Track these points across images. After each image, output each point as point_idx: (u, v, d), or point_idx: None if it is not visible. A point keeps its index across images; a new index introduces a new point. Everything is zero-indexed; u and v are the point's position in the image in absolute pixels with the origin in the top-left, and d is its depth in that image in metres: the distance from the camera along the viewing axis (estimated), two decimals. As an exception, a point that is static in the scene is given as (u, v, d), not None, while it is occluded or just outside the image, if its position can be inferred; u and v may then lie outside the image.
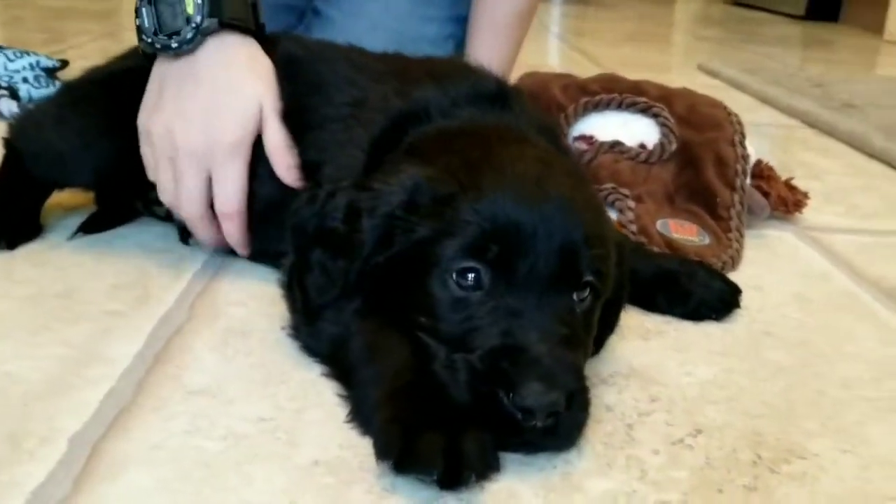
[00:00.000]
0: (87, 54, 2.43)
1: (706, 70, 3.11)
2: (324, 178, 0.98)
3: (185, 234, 1.19)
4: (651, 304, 1.06)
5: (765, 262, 1.26)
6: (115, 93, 1.14)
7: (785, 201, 1.42)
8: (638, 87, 1.44)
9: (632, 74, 1.58)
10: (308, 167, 1.02)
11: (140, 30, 1.02)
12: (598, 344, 0.90)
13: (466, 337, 0.76)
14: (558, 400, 0.71)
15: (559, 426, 0.72)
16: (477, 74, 1.02)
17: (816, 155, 1.98)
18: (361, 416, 0.77)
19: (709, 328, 1.03)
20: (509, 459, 0.74)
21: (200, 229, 1.08)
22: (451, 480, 0.68)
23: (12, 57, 2.00)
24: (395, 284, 0.82)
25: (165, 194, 1.07)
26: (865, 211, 1.58)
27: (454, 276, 0.78)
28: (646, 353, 0.96)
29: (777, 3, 5.51)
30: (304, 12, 1.67)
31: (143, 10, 1.01)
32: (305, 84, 1.06)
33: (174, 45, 1.00)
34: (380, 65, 1.07)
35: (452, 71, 1.02)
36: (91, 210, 1.25)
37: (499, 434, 0.72)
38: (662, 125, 1.37)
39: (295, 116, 1.04)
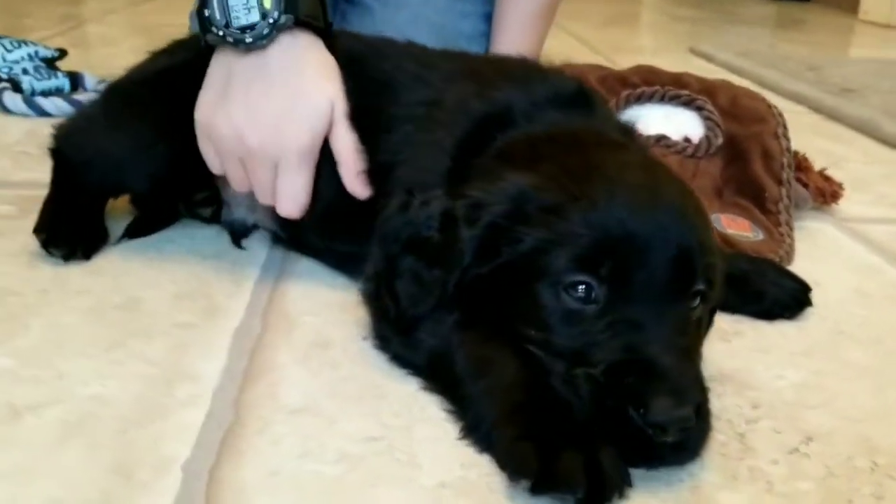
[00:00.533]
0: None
1: (699, 53, 3.11)
2: (397, 182, 0.95)
3: (237, 238, 1.15)
4: (723, 304, 1.05)
5: (812, 255, 1.26)
6: (166, 93, 1.09)
7: (822, 192, 1.42)
8: (679, 80, 1.42)
9: (627, 59, 1.58)
10: (378, 170, 0.99)
11: (209, 21, 0.97)
12: None
13: (585, 351, 0.74)
14: (689, 415, 0.70)
15: (688, 441, 0.71)
16: (552, 75, 1.00)
17: (829, 142, 1.99)
18: (478, 434, 0.75)
19: (783, 327, 1.03)
20: (635, 475, 0.72)
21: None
22: (595, 499, 0.66)
23: (9, 47, 1.92)
24: (499, 296, 0.80)
25: (237, 184, 1.04)
26: (893, 200, 1.59)
27: (565, 288, 0.76)
28: (731, 355, 0.95)
29: (750, -16, 5.54)
30: (337, 0, 1.63)
31: (213, 1, 0.96)
32: (371, 83, 1.03)
33: (248, 39, 0.95)
34: (448, 64, 1.04)
35: (527, 72, 1.00)
36: (130, 213, 1.20)
37: (627, 450, 0.71)
38: (707, 118, 1.36)
39: (361, 117, 1.01)
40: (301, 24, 0.97)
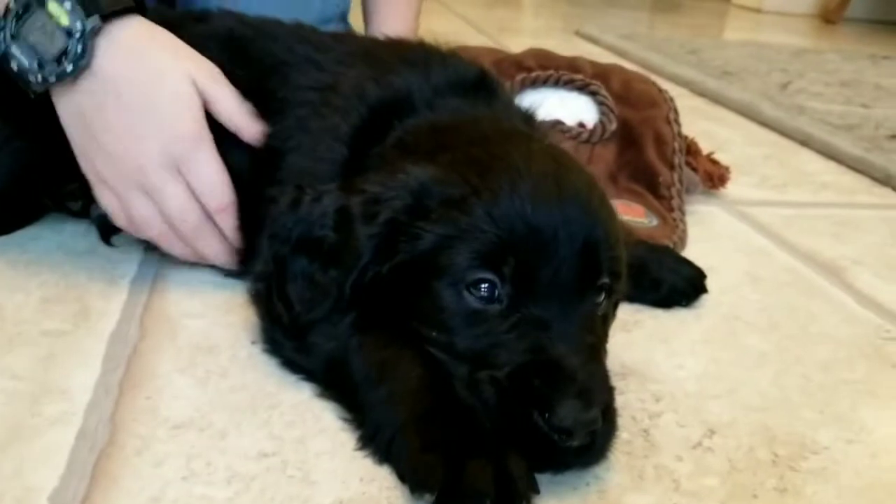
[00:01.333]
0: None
1: (584, 36, 3.14)
2: (288, 171, 0.90)
3: (106, 233, 1.06)
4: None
5: (703, 239, 1.28)
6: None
7: (711, 176, 1.44)
8: (573, 64, 1.41)
9: (515, 40, 1.56)
10: (268, 157, 0.93)
11: (22, 72, 0.86)
12: None
13: (489, 353, 0.71)
14: (596, 417, 0.67)
15: (595, 443, 0.69)
16: (453, 60, 0.96)
17: (713, 124, 2.03)
18: (378, 443, 0.71)
19: (681, 315, 1.03)
20: (540, 479, 0.69)
21: (210, 245, 0.95)
22: None
23: None
24: (399, 296, 0.76)
25: (153, 226, 0.93)
26: (775, 182, 1.64)
27: (467, 287, 0.72)
28: (631, 346, 0.94)
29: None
30: None
31: (14, 50, 0.85)
32: (258, 65, 0.96)
33: (69, 68, 0.85)
34: (343, 46, 0.98)
35: (427, 56, 0.95)
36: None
37: (533, 455, 0.68)
38: (601, 104, 1.35)
39: (248, 100, 0.94)
40: (111, 16, 0.87)
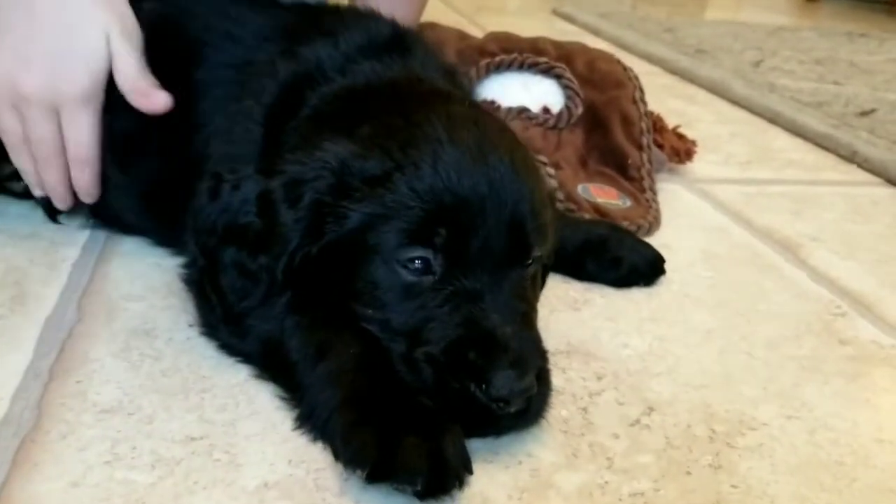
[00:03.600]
0: None
1: (561, 15, 3.12)
2: (210, 156, 0.88)
3: (52, 211, 1.04)
4: (580, 271, 1.03)
5: (665, 218, 1.27)
6: None
7: (678, 152, 1.43)
8: (536, 46, 1.39)
9: (494, 19, 1.54)
10: (193, 143, 0.91)
11: None
12: None
13: (424, 328, 0.70)
14: (531, 384, 0.68)
15: (530, 406, 0.69)
16: (368, 20, 0.94)
17: (683, 102, 2.02)
18: (314, 422, 0.70)
19: (633, 294, 1.02)
20: (477, 457, 0.69)
21: (50, 176, 0.95)
22: (436, 489, 0.62)
23: None
24: (331, 276, 0.75)
25: (11, 137, 0.93)
26: (740, 160, 1.63)
27: (400, 264, 0.71)
28: (579, 325, 0.93)
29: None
30: None
31: None
32: (177, 48, 0.94)
33: None
34: (260, 18, 0.96)
35: (338, 20, 0.93)
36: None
37: (471, 425, 0.68)
38: (566, 87, 1.33)
39: (169, 88, 0.92)
40: None
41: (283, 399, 0.74)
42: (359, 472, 0.62)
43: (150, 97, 0.91)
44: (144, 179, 0.96)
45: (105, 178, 0.98)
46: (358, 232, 0.72)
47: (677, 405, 0.80)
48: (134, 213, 0.99)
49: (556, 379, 0.81)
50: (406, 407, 0.67)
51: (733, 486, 0.70)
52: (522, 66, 1.32)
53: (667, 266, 1.07)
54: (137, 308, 0.89)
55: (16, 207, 1.08)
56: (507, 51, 1.36)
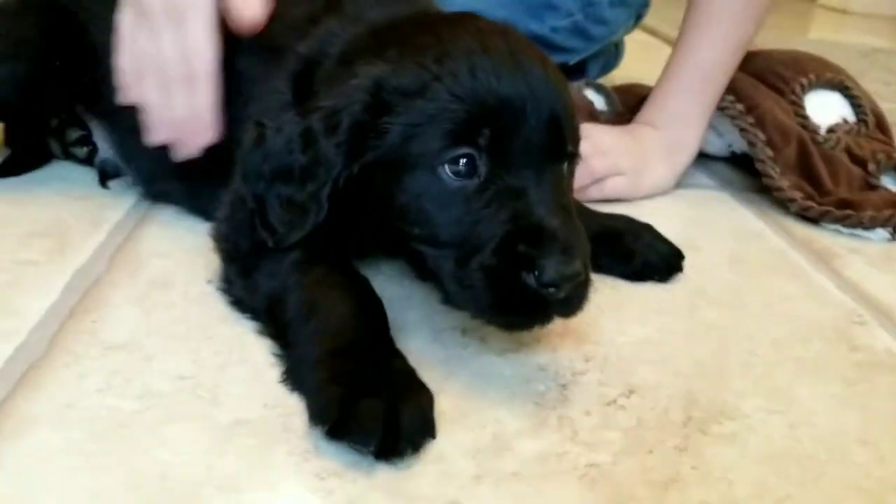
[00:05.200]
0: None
1: (645, 28, 3.09)
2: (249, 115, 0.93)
3: (105, 178, 1.13)
4: (594, 262, 1.03)
5: (703, 221, 1.26)
6: (21, 19, 1.08)
7: None
8: (822, 61, 1.47)
9: None
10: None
11: None
12: None
13: (471, 233, 0.74)
14: (580, 270, 0.71)
15: (578, 292, 0.73)
16: None
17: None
18: (296, 375, 0.74)
19: (645, 287, 1.03)
20: (444, 419, 0.71)
21: (177, 101, 0.96)
22: (388, 452, 0.65)
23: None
24: (376, 197, 0.79)
25: (142, 63, 0.96)
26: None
27: (447, 167, 0.75)
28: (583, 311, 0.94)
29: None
30: None
31: None
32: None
33: None
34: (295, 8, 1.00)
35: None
36: (4, 154, 1.18)
37: (523, 315, 0.73)
38: (852, 98, 1.42)
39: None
40: None
41: (275, 356, 0.78)
42: (320, 427, 0.66)
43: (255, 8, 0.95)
44: None
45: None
46: (400, 145, 0.75)
47: (660, 390, 0.81)
48: (178, 179, 1.06)
49: (543, 357, 0.84)
50: (377, 369, 0.70)
51: (693, 468, 0.70)
52: (822, 84, 1.41)
53: (689, 266, 1.07)
54: (162, 263, 0.95)
55: (76, 172, 1.18)
56: (798, 70, 1.43)
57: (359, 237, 0.86)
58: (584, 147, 1.23)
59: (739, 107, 1.39)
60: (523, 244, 0.71)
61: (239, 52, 1.00)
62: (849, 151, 1.39)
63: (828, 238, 1.25)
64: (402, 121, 0.75)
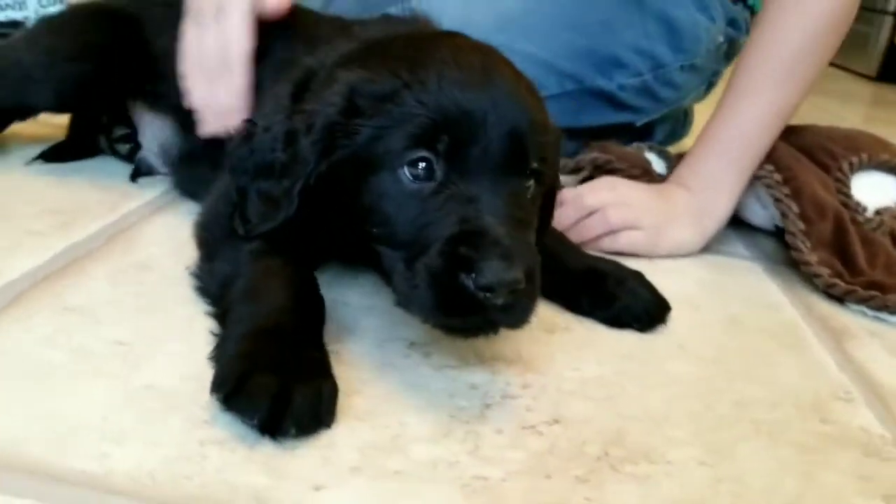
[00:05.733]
0: None
1: (715, 97, 3.04)
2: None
3: (137, 174, 1.21)
4: (576, 304, 1.03)
5: (716, 285, 1.23)
6: (90, 23, 1.18)
7: None
8: (881, 142, 1.45)
9: None
10: None
11: None
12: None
13: (422, 233, 0.76)
14: (519, 277, 0.71)
15: (518, 303, 0.73)
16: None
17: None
18: (219, 350, 0.76)
19: (622, 333, 1.00)
20: (350, 415, 0.72)
21: (220, 88, 1.06)
22: (272, 427, 0.67)
23: (46, 3, 2.06)
24: (342, 195, 0.83)
25: (191, 55, 1.07)
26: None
27: (406, 169, 0.78)
28: (544, 344, 0.93)
29: (849, 61, 5.37)
30: None
31: None
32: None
33: None
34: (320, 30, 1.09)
35: (363, 24, 1.05)
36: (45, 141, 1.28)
37: (465, 323, 0.74)
38: None
39: None
40: None
41: (214, 335, 0.81)
42: (216, 395, 0.68)
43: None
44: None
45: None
46: (367, 145, 0.80)
47: (587, 424, 0.79)
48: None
49: (479, 376, 0.83)
50: (291, 354, 0.72)
51: (586, 499, 0.68)
52: (872, 165, 1.38)
53: (680, 321, 1.04)
54: (154, 249, 1.01)
55: (114, 166, 1.26)
56: (850, 148, 1.41)
57: (325, 239, 0.90)
58: (606, 197, 1.24)
59: (777, 177, 1.35)
60: (465, 247, 0.72)
61: (261, 62, 1.07)
62: (893, 235, 1.32)
63: (850, 318, 1.19)
64: (372, 123, 0.80)
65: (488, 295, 0.71)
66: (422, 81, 0.78)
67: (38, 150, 1.25)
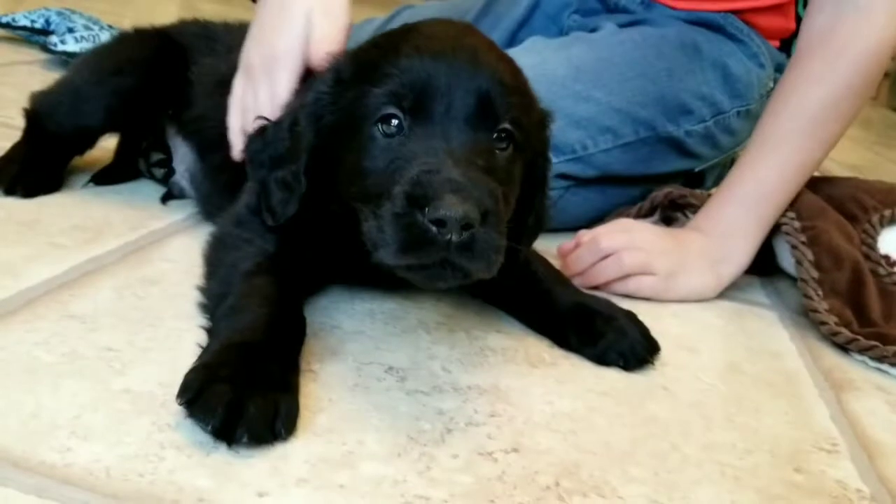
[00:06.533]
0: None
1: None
2: None
3: (168, 197, 1.29)
4: (563, 340, 1.05)
5: (722, 331, 1.22)
6: (133, 47, 1.29)
7: None
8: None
9: None
10: None
11: None
12: (531, 236, 1.02)
13: (389, 181, 0.81)
14: (471, 212, 0.75)
15: (475, 243, 0.76)
16: None
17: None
18: (197, 362, 0.81)
19: (608, 371, 1.01)
20: (310, 430, 0.76)
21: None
22: (225, 434, 0.71)
23: (92, 27, 2.20)
24: (332, 163, 0.91)
25: (237, 102, 1.14)
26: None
27: (379, 126, 0.86)
28: (524, 377, 0.95)
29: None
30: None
31: None
32: None
33: None
34: None
35: None
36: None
37: (419, 255, 0.77)
38: None
39: None
40: None
41: (200, 346, 0.86)
42: (178, 400, 0.73)
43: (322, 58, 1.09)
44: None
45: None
46: (349, 107, 0.89)
47: (544, 456, 0.80)
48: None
49: (448, 403, 0.86)
50: (259, 368, 0.76)
51: (524, 525, 0.69)
52: None
53: (672, 365, 1.05)
54: (164, 266, 1.07)
55: (149, 188, 1.34)
56: (885, 202, 1.43)
57: (325, 247, 0.97)
58: (620, 240, 1.26)
59: (796, 224, 1.34)
60: (422, 188, 0.77)
61: None
62: (914, 291, 1.30)
63: (859, 371, 1.17)
64: (353, 90, 0.89)
65: (442, 230, 0.75)
66: (397, 49, 0.88)
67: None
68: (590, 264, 1.27)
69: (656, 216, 1.50)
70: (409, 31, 0.92)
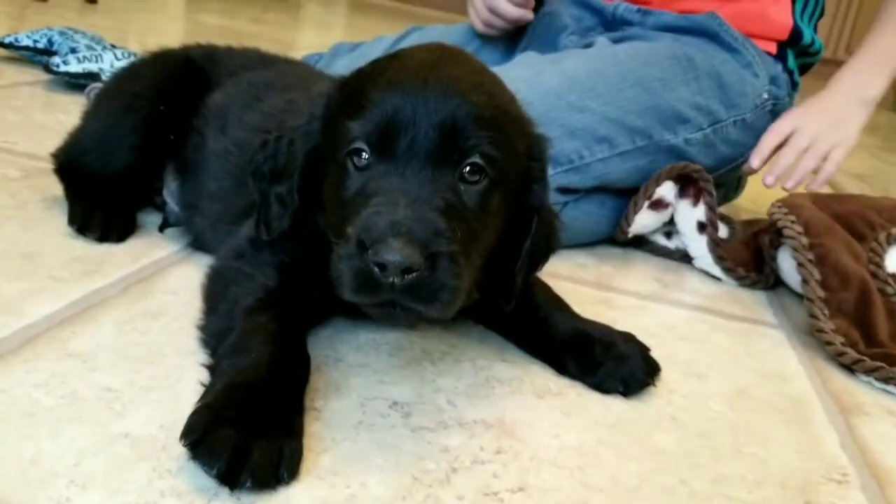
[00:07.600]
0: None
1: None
2: None
3: (165, 225, 1.28)
4: (563, 368, 1.04)
5: (731, 354, 1.21)
6: (131, 80, 1.28)
7: None
8: None
9: None
10: None
11: None
12: (536, 262, 0.99)
13: (350, 218, 0.81)
14: (411, 256, 0.74)
15: (420, 286, 0.75)
16: None
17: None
18: (200, 402, 0.80)
19: (615, 401, 1.00)
20: (313, 474, 0.75)
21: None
22: (229, 478, 0.70)
23: (120, 57, 2.19)
24: (316, 191, 0.92)
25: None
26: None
27: (349, 159, 0.86)
28: (530, 409, 0.94)
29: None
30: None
31: None
32: None
33: None
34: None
35: None
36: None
37: (368, 296, 0.77)
38: None
39: None
40: None
41: (202, 385, 0.85)
42: (183, 442, 0.72)
43: None
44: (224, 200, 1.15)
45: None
46: (333, 136, 0.89)
47: (551, 494, 0.79)
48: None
49: (454, 439, 0.85)
50: (263, 410, 0.75)
51: (530, 570, 0.68)
52: None
53: (681, 392, 1.04)
54: (167, 298, 1.06)
55: (146, 215, 1.33)
56: (893, 220, 1.44)
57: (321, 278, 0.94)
58: (812, 127, 1.64)
59: (804, 240, 1.33)
60: (367, 231, 0.76)
61: None
62: (923, 310, 1.29)
63: (868, 394, 1.16)
64: (337, 118, 0.89)
65: (384, 273, 0.74)
66: (373, 81, 0.87)
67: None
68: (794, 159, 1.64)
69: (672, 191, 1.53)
70: (391, 59, 0.91)
